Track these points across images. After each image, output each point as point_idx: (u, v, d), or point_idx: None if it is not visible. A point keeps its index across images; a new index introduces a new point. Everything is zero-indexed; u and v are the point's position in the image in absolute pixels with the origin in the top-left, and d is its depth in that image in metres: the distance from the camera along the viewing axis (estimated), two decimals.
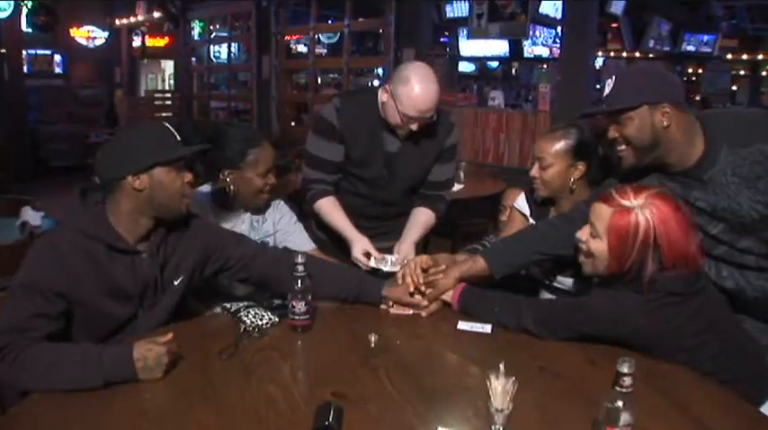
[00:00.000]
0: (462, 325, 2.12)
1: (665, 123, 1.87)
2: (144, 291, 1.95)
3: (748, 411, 1.64)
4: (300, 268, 2.00)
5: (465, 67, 12.22)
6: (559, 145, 2.35)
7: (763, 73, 15.04)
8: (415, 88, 2.37)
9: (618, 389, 1.34)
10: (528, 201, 2.57)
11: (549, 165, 2.35)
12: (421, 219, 2.68)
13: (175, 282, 2.03)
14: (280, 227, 2.62)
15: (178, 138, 1.92)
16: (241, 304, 2.20)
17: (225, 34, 11.15)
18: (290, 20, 9.38)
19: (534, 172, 2.39)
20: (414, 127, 2.45)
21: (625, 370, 1.33)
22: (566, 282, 2.43)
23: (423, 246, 2.63)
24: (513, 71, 13.11)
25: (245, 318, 2.06)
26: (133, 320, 1.95)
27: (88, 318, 1.84)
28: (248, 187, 2.41)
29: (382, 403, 1.63)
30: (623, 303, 1.81)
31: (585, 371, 1.80)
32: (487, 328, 2.09)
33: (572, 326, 1.92)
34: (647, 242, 1.76)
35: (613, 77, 1.96)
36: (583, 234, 1.92)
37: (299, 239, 2.62)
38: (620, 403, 1.34)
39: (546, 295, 2.51)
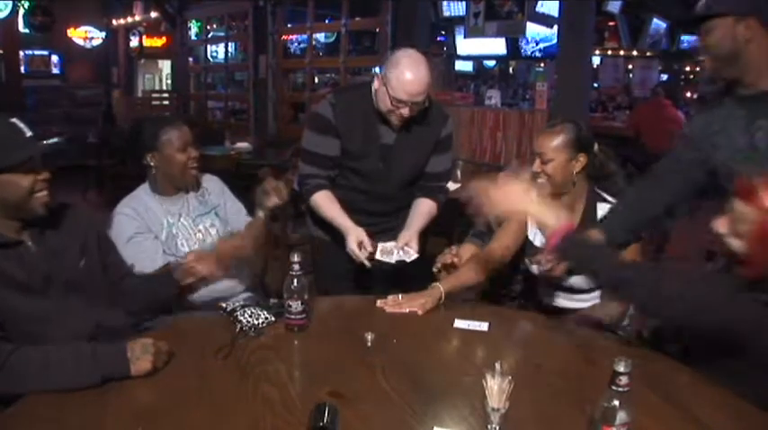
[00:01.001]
0: (459, 323, 2.12)
1: (747, 37, 1.85)
2: (46, 281, 1.88)
3: (747, 410, 1.63)
4: (296, 267, 1.99)
5: (462, 66, 12.23)
6: (559, 139, 2.36)
7: None
8: (405, 71, 2.39)
9: (614, 388, 1.33)
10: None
11: (551, 160, 2.36)
12: (423, 208, 2.69)
13: (82, 270, 1.99)
14: (225, 197, 2.69)
15: (27, 133, 1.80)
16: (237, 303, 2.19)
17: (222, 34, 11.12)
18: (286, 19, 9.36)
19: (536, 167, 2.39)
20: (405, 112, 2.46)
21: (621, 369, 1.32)
22: (573, 280, 2.42)
23: (422, 245, 2.60)
24: (511, 70, 13.12)
25: (242, 318, 2.05)
26: (47, 314, 1.86)
27: (8, 319, 1.77)
28: (172, 165, 2.47)
29: (379, 402, 1.63)
30: None
31: (583, 370, 1.80)
32: (484, 326, 2.09)
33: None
34: None
35: None
36: (722, 226, 1.67)
37: (231, 211, 2.67)
38: (616, 402, 1.33)
39: (559, 297, 2.51)
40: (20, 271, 1.83)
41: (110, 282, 2.10)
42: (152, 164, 2.47)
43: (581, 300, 2.45)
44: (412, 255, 2.50)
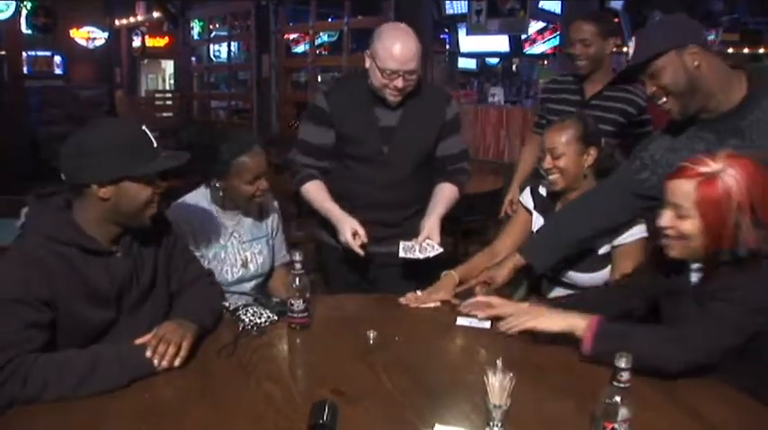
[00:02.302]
0: (461, 320, 2.12)
1: (695, 63, 1.85)
2: (121, 292, 1.87)
3: (745, 403, 1.64)
4: (298, 266, 2.00)
5: (466, 63, 12.21)
6: (568, 133, 2.36)
7: None
8: (391, 40, 2.35)
9: (615, 384, 1.33)
10: (533, 196, 2.58)
11: (562, 154, 2.36)
12: (445, 192, 2.60)
13: (155, 283, 1.97)
14: (277, 225, 2.63)
15: (155, 144, 1.80)
16: (239, 302, 2.20)
17: (224, 33, 11.13)
18: (289, 18, 9.37)
19: (547, 163, 2.38)
20: (398, 83, 2.39)
21: (623, 364, 1.32)
22: (576, 277, 2.43)
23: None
24: (514, 67, 13.10)
25: (244, 317, 2.06)
26: (114, 326, 1.86)
27: (69, 325, 1.75)
28: (238, 194, 2.37)
29: (380, 400, 1.63)
30: None
31: (584, 367, 1.79)
32: (486, 324, 2.09)
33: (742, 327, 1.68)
34: (742, 206, 1.63)
35: (634, 37, 1.95)
36: (665, 220, 1.75)
37: (277, 243, 2.63)
38: (617, 398, 1.34)
39: (556, 291, 2.51)
40: (103, 281, 1.81)
41: (171, 293, 2.05)
42: (217, 185, 2.37)
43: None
44: (436, 249, 2.42)
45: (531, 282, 2.61)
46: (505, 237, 2.60)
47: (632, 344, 1.58)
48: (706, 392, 1.69)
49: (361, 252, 2.41)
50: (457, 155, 2.67)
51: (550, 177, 2.40)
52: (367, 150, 2.57)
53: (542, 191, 2.56)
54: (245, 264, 2.46)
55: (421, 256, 2.40)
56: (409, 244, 2.43)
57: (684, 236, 1.72)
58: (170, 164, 1.81)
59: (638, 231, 2.32)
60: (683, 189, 1.70)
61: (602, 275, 2.39)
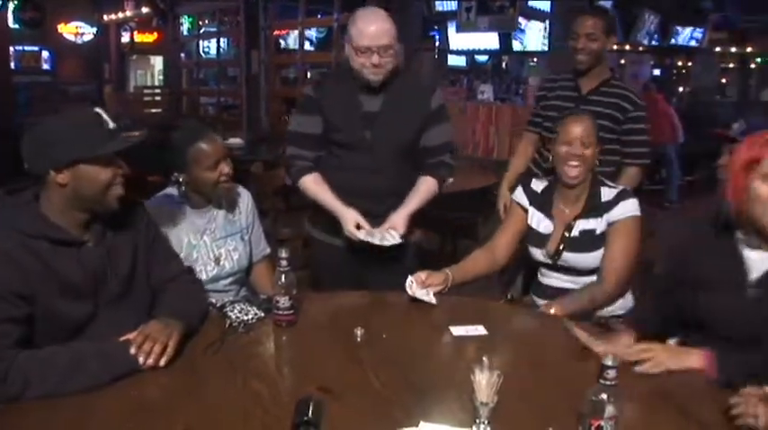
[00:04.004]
0: (456, 330, 2.04)
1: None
2: (96, 284, 1.83)
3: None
4: (284, 263, 1.99)
5: (456, 60, 12.20)
6: (591, 125, 2.44)
7: (752, 65, 15.07)
8: (362, 19, 2.45)
9: (602, 382, 1.34)
10: (526, 192, 2.60)
11: (591, 144, 2.41)
12: (421, 187, 2.63)
13: (134, 275, 1.94)
14: (253, 219, 2.58)
15: (110, 125, 1.77)
16: (226, 299, 2.19)
17: (214, 29, 11.10)
18: (278, 14, 9.35)
19: (578, 150, 2.39)
20: (375, 60, 2.44)
21: (609, 363, 1.33)
22: (572, 258, 2.46)
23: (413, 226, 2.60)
24: (504, 65, 13.10)
25: (231, 314, 2.05)
26: (94, 320, 1.83)
27: (47, 320, 1.73)
28: (202, 184, 2.33)
29: (368, 397, 1.62)
30: None
31: (574, 365, 1.80)
32: (482, 330, 2.05)
33: None
34: None
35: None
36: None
37: (254, 238, 2.58)
38: (604, 396, 1.34)
39: (554, 276, 2.54)
40: (75, 272, 1.78)
41: (150, 292, 2.02)
42: (180, 181, 2.35)
43: (578, 283, 2.48)
44: (396, 239, 2.46)
45: (528, 268, 2.66)
46: (501, 235, 2.62)
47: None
48: (695, 391, 1.69)
49: (366, 238, 2.45)
50: (439, 147, 2.68)
51: (574, 169, 2.40)
52: (350, 136, 2.61)
53: (535, 187, 2.59)
54: (218, 262, 2.41)
55: (378, 242, 2.45)
56: (373, 230, 2.48)
57: None
58: (123, 144, 1.79)
59: (632, 207, 2.39)
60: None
61: (598, 254, 2.42)
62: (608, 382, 1.33)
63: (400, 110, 2.60)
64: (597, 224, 2.43)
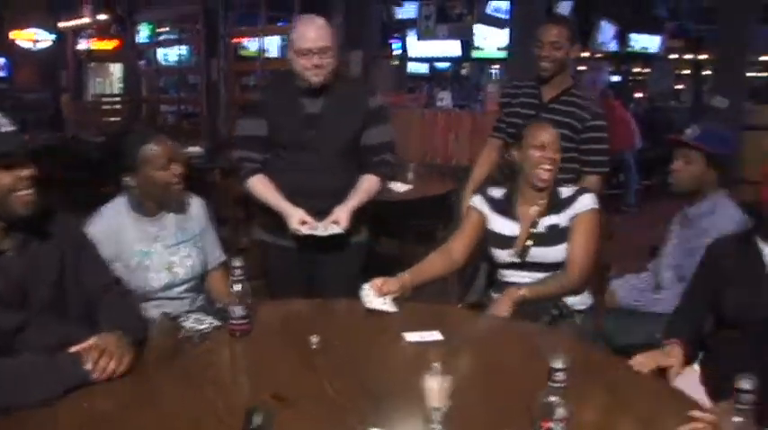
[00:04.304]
0: (412, 336, 2.04)
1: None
2: (23, 293, 1.79)
3: (680, 398, 1.70)
4: (238, 272, 1.97)
5: (417, 68, 12.28)
6: (557, 132, 2.56)
7: (706, 73, 15.37)
8: (301, 24, 2.61)
9: (551, 384, 1.35)
10: (485, 199, 2.64)
11: (558, 150, 2.51)
12: (363, 185, 2.73)
13: (63, 284, 1.89)
14: (206, 225, 2.55)
15: (7, 128, 1.70)
16: (182, 309, 2.17)
17: (173, 37, 11.01)
18: (238, 22, 9.31)
19: (551, 154, 2.48)
20: (315, 61, 2.56)
21: (558, 365, 1.35)
22: (538, 253, 2.50)
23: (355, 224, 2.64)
24: (464, 72, 13.21)
25: (185, 324, 2.03)
26: (24, 329, 1.77)
27: None
28: (154, 184, 2.30)
29: (322, 404, 1.62)
30: None
31: (529, 367, 1.81)
32: (437, 335, 2.04)
33: None
34: None
35: None
36: None
37: (208, 245, 2.54)
38: (554, 397, 1.35)
39: (518, 274, 2.55)
40: None
41: (84, 301, 1.95)
42: (131, 185, 2.30)
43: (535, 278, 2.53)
44: (336, 229, 2.55)
45: (489, 270, 2.71)
46: (458, 238, 2.65)
47: None
48: (643, 387, 1.75)
49: (309, 231, 2.53)
50: (381, 145, 2.78)
51: (548, 172, 2.48)
52: (294, 137, 2.70)
53: (494, 193, 2.65)
54: (170, 269, 2.37)
55: (320, 233, 2.53)
56: (316, 224, 2.56)
57: None
58: (15, 143, 1.72)
59: (591, 201, 2.51)
60: None
61: (563, 247, 2.48)
62: (557, 384, 1.35)
63: (341, 110, 2.71)
64: (560, 219, 2.50)
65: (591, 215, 2.50)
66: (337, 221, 2.56)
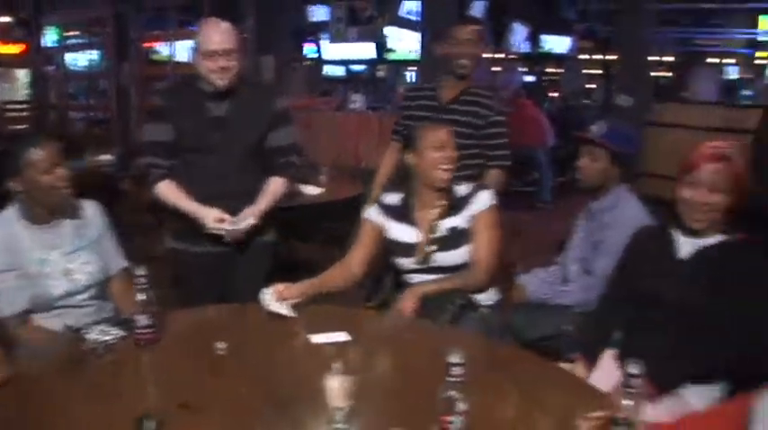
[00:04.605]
0: (318, 338, 2.06)
1: None
2: None
3: (582, 387, 1.79)
4: (142, 280, 1.94)
5: (334, 70, 12.27)
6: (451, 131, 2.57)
7: (614, 72, 15.87)
8: (206, 26, 2.63)
9: (449, 379, 1.38)
10: (381, 209, 2.63)
11: (455, 149, 2.52)
12: (270, 187, 2.77)
13: None
14: (104, 230, 2.49)
15: None
16: (86, 319, 2.12)
17: (82, 41, 10.67)
18: (149, 26, 9.11)
19: (450, 153, 2.49)
20: (222, 63, 2.58)
21: (455, 360, 1.37)
22: (442, 257, 2.51)
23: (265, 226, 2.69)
24: (380, 74, 13.26)
25: (90, 335, 1.97)
26: None
27: None
28: (38, 188, 2.25)
29: (228, 411, 1.62)
30: None
31: (432, 365, 1.84)
32: (344, 336, 2.06)
33: None
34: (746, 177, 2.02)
35: None
36: (701, 197, 2.01)
37: (107, 251, 2.49)
38: (452, 392, 1.38)
39: (421, 277, 2.55)
40: None
41: None
42: (17, 190, 2.25)
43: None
44: (250, 220, 2.63)
45: (396, 271, 2.68)
46: (356, 251, 2.61)
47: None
48: (547, 377, 1.82)
49: (229, 227, 2.58)
50: (285, 148, 2.82)
51: (448, 172, 2.49)
52: (199, 141, 2.70)
53: (390, 201, 2.64)
54: (69, 276, 2.31)
55: (231, 227, 2.59)
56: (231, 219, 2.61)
57: (720, 206, 2.00)
58: None
59: (488, 197, 2.52)
60: (716, 168, 2.00)
61: (466, 249, 2.49)
62: (454, 379, 1.38)
63: (246, 113, 2.73)
64: (460, 220, 2.51)
65: (490, 212, 2.52)
66: (243, 219, 2.61)
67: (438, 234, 2.52)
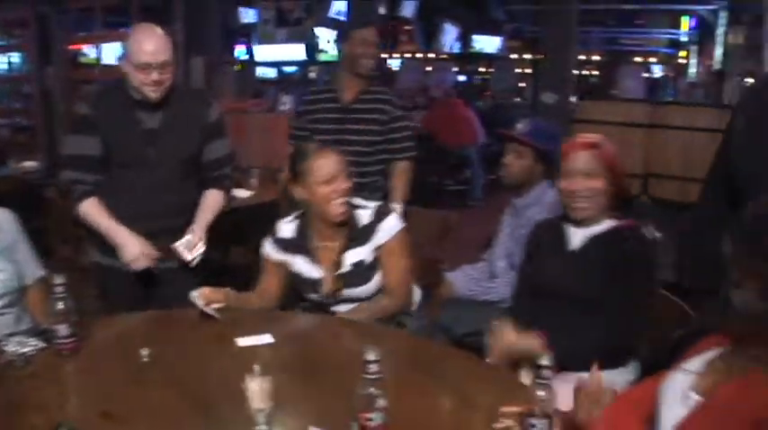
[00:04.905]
0: (243, 341, 2.06)
1: None
2: None
3: (500, 377, 1.85)
4: (59, 289, 1.91)
5: (266, 72, 12.18)
6: (341, 156, 2.43)
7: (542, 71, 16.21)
8: (139, 37, 2.46)
9: (366, 376, 1.40)
10: (276, 245, 2.49)
11: (347, 175, 2.41)
12: (209, 201, 2.68)
13: None
14: (18, 238, 2.39)
15: None
16: (3, 330, 2.08)
17: (2, 43, 10.29)
18: (75, 27, 8.86)
19: (342, 185, 2.35)
20: (155, 77, 2.45)
21: (370, 358, 1.39)
22: (353, 293, 2.42)
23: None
24: (312, 75, 13.23)
25: (7, 348, 1.93)
26: None
27: None
28: None
29: (149, 419, 1.61)
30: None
31: (355, 365, 1.87)
32: (269, 338, 2.07)
33: None
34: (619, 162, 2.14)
35: None
36: (578, 184, 2.10)
37: (22, 258, 2.38)
38: (371, 389, 1.40)
39: (339, 307, 2.49)
40: None
41: None
42: None
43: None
44: (201, 248, 2.55)
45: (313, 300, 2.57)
46: (265, 283, 2.52)
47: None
48: (470, 371, 1.88)
49: (150, 264, 2.47)
50: (220, 159, 2.73)
51: (342, 206, 2.35)
52: (132, 155, 2.58)
53: (284, 233, 2.49)
54: None
55: (187, 258, 2.52)
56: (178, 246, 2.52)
57: (595, 193, 2.10)
58: None
59: (394, 223, 2.40)
60: (587, 156, 2.10)
61: (376, 281, 2.41)
62: (372, 376, 1.39)
63: (180, 124, 2.62)
64: (365, 253, 2.38)
65: (398, 239, 2.39)
66: (195, 245, 2.52)
67: (343, 269, 2.38)
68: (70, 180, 2.57)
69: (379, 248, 2.39)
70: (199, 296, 2.24)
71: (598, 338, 2.00)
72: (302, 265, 2.45)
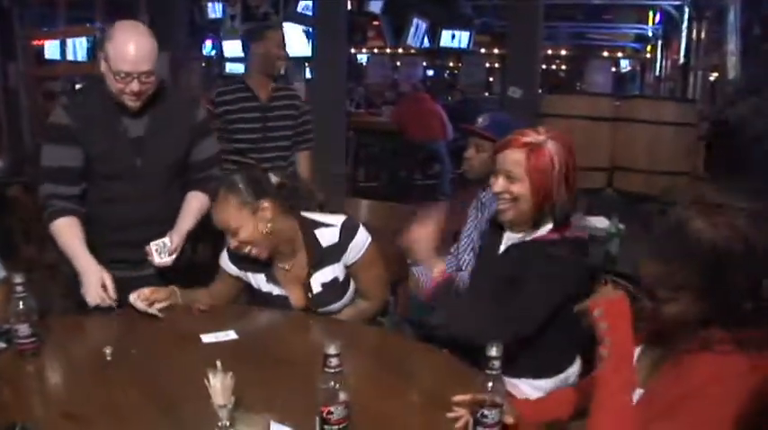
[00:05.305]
0: (207, 338, 2.05)
1: None
2: None
3: (455, 368, 1.86)
4: (20, 289, 1.89)
5: (237, 68, 12.06)
6: (232, 206, 2.22)
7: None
8: (122, 39, 2.19)
9: (327, 370, 1.40)
10: (231, 259, 2.41)
11: (239, 228, 2.23)
12: (193, 205, 2.49)
13: None
14: None
15: None
16: None
17: None
18: (37, 22, 8.72)
19: (232, 244, 2.28)
20: (134, 87, 2.22)
21: (331, 351, 1.39)
22: (324, 311, 2.38)
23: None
24: (283, 70, 13.18)
25: None
26: None
27: None
28: None
29: (115, 418, 1.60)
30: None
31: (316, 359, 1.89)
32: (232, 335, 2.07)
33: None
34: (562, 171, 1.94)
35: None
36: (499, 185, 2.00)
37: None
38: (332, 383, 1.41)
39: None
40: None
41: None
42: None
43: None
44: (168, 260, 2.40)
45: None
46: (219, 290, 2.48)
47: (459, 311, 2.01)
48: (431, 368, 1.91)
49: (112, 304, 2.22)
50: (207, 160, 2.58)
51: (263, 254, 2.28)
52: (119, 166, 2.41)
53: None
54: None
55: (157, 260, 2.39)
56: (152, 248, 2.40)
57: (517, 198, 1.97)
58: None
59: (362, 238, 2.34)
60: (515, 157, 1.96)
61: (350, 294, 2.41)
62: (332, 370, 1.40)
63: (167, 130, 2.46)
64: (336, 271, 2.34)
65: (368, 253, 2.35)
66: (174, 250, 2.40)
67: (315, 291, 2.34)
68: (46, 195, 2.37)
69: (352, 265, 2.36)
70: (138, 298, 2.21)
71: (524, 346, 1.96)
72: (263, 283, 2.39)
